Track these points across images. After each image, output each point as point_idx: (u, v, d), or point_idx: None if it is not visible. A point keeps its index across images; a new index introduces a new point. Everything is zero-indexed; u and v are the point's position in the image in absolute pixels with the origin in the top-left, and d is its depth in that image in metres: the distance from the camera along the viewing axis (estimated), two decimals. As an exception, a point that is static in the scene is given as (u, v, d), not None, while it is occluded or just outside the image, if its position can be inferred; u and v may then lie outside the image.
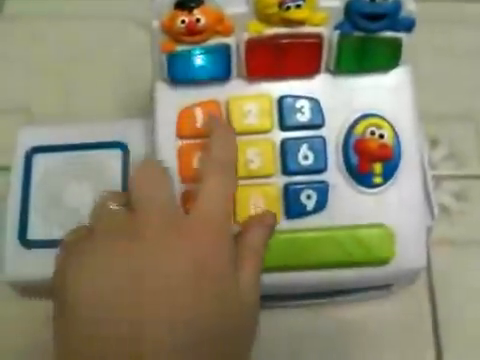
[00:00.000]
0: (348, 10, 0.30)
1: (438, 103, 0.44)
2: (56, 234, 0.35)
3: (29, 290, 0.36)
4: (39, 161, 0.36)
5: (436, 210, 0.34)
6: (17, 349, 0.36)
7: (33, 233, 0.35)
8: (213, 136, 0.29)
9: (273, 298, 0.35)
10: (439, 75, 0.45)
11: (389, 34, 0.31)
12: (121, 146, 0.36)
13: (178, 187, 0.33)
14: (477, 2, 0.48)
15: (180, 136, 0.33)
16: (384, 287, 0.35)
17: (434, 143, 0.44)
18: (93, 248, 0.26)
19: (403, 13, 0.30)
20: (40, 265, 0.34)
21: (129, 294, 0.24)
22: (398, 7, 0.30)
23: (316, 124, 0.33)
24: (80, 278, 0.25)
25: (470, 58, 0.46)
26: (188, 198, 0.32)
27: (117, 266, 0.25)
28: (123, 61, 0.46)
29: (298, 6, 0.29)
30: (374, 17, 0.30)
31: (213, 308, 0.25)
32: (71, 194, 0.36)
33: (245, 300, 0.26)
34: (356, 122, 0.33)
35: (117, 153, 0.36)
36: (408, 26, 0.31)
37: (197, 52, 0.31)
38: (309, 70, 0.33)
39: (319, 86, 0.33)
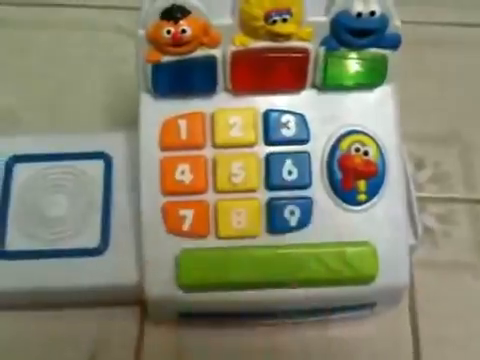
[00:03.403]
0: (334, 25, 0.30)
1: (424, 125, 0.44)
2: (34, 245, 0.34)
3: (5, 302, 0.35)
4: (20, 170, 0.35)
5: (420, 229, 0.34)
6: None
7: (11, 244, 0.34)
8: None
9: (253, 316, 0.35)
10: (426, 97, 0.45)
11: (375, 51, 0.31)
12: (104, 157, 0.36)
13: (159, 200, 0.32)
14: (465, 26, 0.49)
15: (163, 148, 0.32)
16: (367, 306, 0.35)
17: (419, 165, 0.44)
18: None
19: (389, 30, 0.30)
20: (18, 276, 0.34)
21: None
22: (385, 23, 0.30)
23: (301, 139, 0.33)
24: None
25: (458, 80, 0.46)
26: (168, 211, 0.32)
27: None
28: (113, 72, 0.46)
29: (284, 20, 0.29)
30: (360, 33, 0.30)
31: None
32: (51, 204, 0.35)
33: None
34: (341, 138, 0.33)
35: (99, 164, 0.35)
36: (394, 43, 0.31)
37: (182, 64, 0.31)
38: (295, 85, 0.32)
39: (305, 101, 0.33)
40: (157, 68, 0.31)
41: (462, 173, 0.43)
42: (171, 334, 0.36)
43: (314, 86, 0.33)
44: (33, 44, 0.48)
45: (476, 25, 0.49)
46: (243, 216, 0.32)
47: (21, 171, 0.35)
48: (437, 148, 0.44)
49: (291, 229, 0.32)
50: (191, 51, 0.30)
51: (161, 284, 0.32)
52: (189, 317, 0.35)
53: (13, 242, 0.34)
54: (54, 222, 0.34)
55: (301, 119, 0.33)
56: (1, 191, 0.35)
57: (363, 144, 0.32)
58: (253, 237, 0.32)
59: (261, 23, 0.29)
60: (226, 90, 0.32)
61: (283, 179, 0.32)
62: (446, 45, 0.48)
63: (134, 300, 0.35)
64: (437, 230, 0.41)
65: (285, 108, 0.33)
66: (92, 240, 0.34)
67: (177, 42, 0.30)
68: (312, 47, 0.31)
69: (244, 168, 0.32)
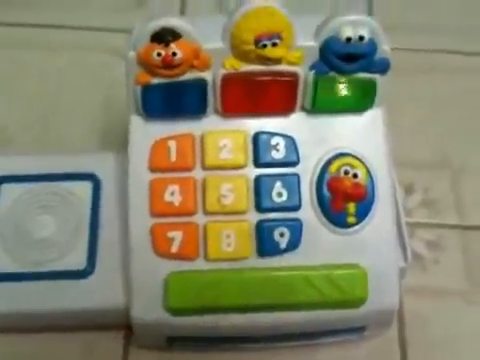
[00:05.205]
0: (323, 50, 0.30)
1: (414, 150, 0.44)
2: (20, 267, 0.34)
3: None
4: (6, 191, 0.35)
5: (409, 252, 0.34)
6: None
7: (-4, 266, 0.34)
8: None
9: (241, 340, 0.34)
10: (416, 122, 0.45)
11: (364, 75, 0.32)
12: (92, 178, 0.35)
13: (148, 221, 0.32)
14: (454, 53, 0.49)
15: (152, 169, 0.32)
16: (358, 330, 0.35)
17: (409, 190, 0.44)
18: None
19: (378, 54, 0.31)
20: (1, 299, 0.33)
21: None
22: (373, 48, 0.30)
23: (291, 161, 0.33)
24: None
25: (447, 106, 0.47)
26: (157, 232, 0.32)
27: None
28: (106, 93, 0.46)
29: (274, 44, 0.30)
30: (349, 58, 0.31)
31: None
32: (37, 226, 0.34)
33: None
34: (330, 161, 0.33)
35: (87, 185, 0.35)
36: (383, 68, 0.31)
37: (172, 86, 0.31)
38: (284, 108, 0.33)
39: (294, 124, 0.33)
40: (147, 90, 0.31)
41: (452, 199, 0.43)
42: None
43: (303, 109, 0.33)
44: (26, 64, 0.48)
45: (467, 53, 0.49)
46: (233, 238, 0.32)
47: (8, 191, 0.35)
48: (427, 173, 0.44)
49: (281, 251, 0.32)
50: (181, 74, 0.31)
51: (149, 308, 0.32)
52: (177, 342, 0.34)
53: (-2, 264, 0.34)
54: (41, 244, 0.34)
55: (291, 141, 0.33)
56: (-13, 212, 0.35)
57: (352, 167, 0.33)
58: (243, 260, 0.32)
59: (251, 47, 0.30)
60: (216, 112, 0.33)
61: (273, 201, 0.32)
62: (437, 72, 0.49)
63: (121, 324, 0.35)
64: (427, 256, 0.41)
65: (275, 130, 0.33)
66: (79, 262, 0.34)
67: (167, 65, 0.30)
68: (301, 71, 0.31)
69: (233, 190, 0.32)
